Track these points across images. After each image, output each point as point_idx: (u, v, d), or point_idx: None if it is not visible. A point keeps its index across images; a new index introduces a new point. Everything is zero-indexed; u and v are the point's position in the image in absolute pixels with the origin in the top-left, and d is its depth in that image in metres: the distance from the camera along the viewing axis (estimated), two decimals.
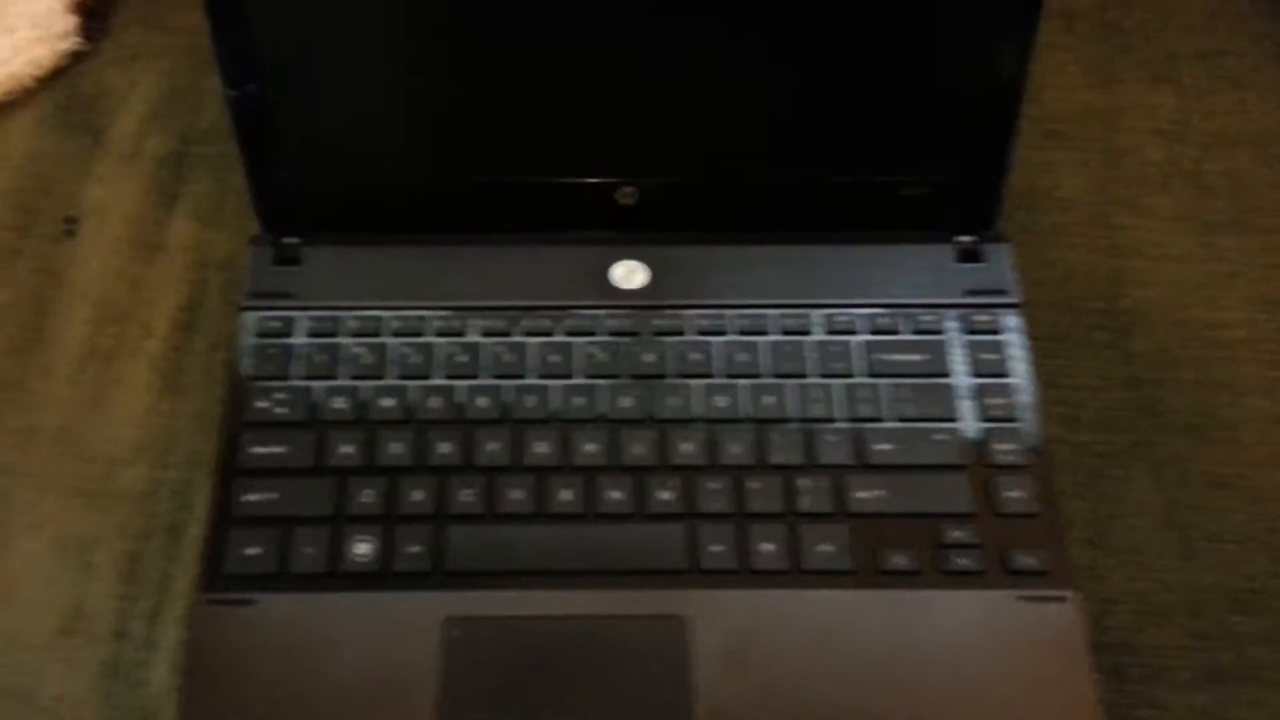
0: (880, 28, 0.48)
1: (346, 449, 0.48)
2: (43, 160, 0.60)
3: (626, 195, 0.52)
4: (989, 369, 0.51)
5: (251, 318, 0.51)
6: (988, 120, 0.50)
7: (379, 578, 0.46)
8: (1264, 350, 0.54)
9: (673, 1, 0.47)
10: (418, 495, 0.47)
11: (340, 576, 0.46)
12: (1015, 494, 0.48)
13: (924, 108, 0.51)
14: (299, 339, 0.51)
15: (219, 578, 0.46)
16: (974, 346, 0.51)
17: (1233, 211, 0.58)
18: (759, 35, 0.48)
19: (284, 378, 0.50)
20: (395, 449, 0.48)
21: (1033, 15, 0.47)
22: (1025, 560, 0.46)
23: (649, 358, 0.51)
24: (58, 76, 0.63)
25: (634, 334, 0.51)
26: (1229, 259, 0.57)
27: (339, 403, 0.49)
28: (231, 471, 0.48)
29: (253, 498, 0.47)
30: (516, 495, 0.47)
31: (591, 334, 0.51)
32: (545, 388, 0.50)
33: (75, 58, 0.63)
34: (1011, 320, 0.52)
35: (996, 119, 0.50)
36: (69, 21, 0.63)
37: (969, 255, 0.53)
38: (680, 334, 0.51)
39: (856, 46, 0.49)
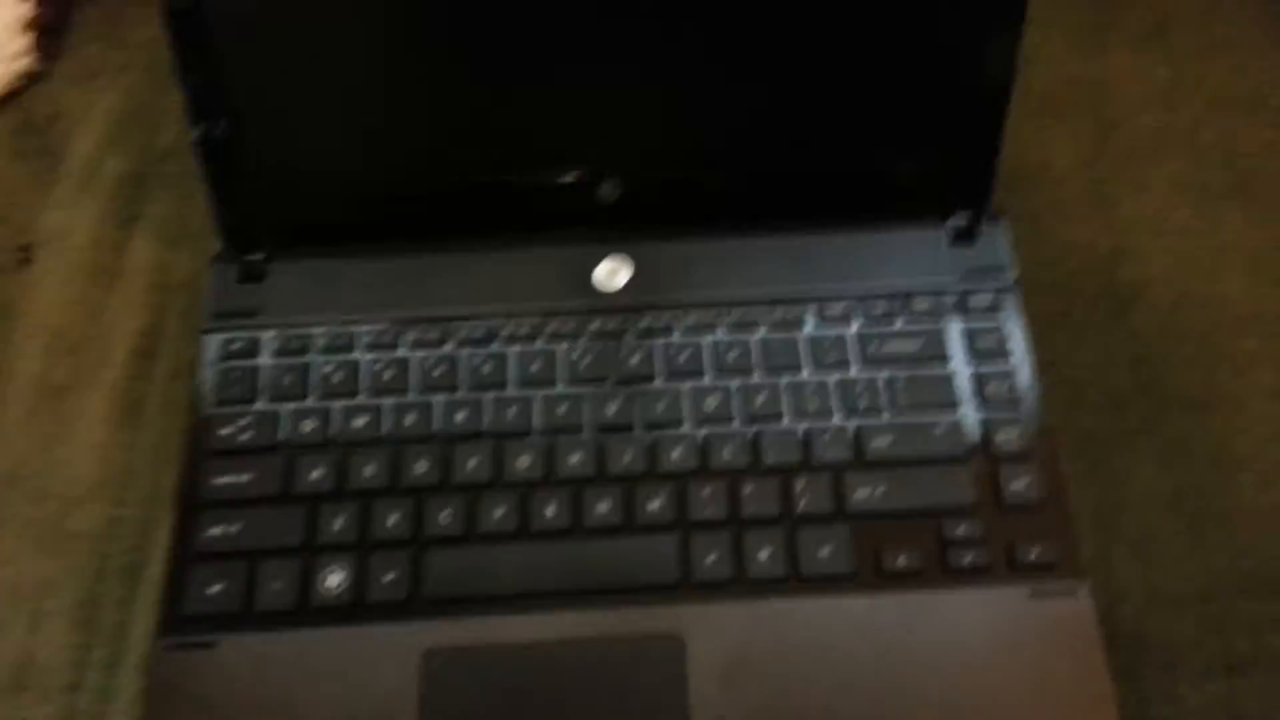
0: (864, 7, 0.46)
1: (316, 473, 0.46)
2: None
3: (607, 191, 0.50)
4: (988, 353, 0.48)
5: (214, 339, 0.49)
6: (979, 96, 0.48)
7: (352, 610, 0.43)
8: (1267, 323, 0.52)
9: None
10: (393, 519, 0.45)
11: (310, 612, 0.43)
12: (1020, 484, 0.46)
13: (912, 86, 0.48)
14: (265, 359, 0.49)
15: (178, 619, 0.43)
16: (972, 331, 0.49)
17: (1230, 179, 0.56)
18: (741, 19, 0.46)
19: (249, 401, 0.48)
20: (368, 471, 0.46)
21: None
22: (1033, 553, 0.44)
23: (635, 361, 0.48)
24: (12, 98, 0.61)
25: (619, 336, 0.49)
26: (1227, 230, 0.55)
27: (308, 425, 0.47)
28: (192, 504, 0.45)
29: (215, 531, 0.45)
30: (498, 514, 0.45)
31: (574, 339, 0.49)
32: (527, 399, 0.47)
33: (30, 78, 0.61)
34: (1010, 300, 0.50)
35: (988, 94, 0.48)
36: (24, 40, 0.61)
37: (964, 236, 0.51)
38: (667, 334, 0.49)
39: (840, 27, 0.46)
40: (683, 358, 0.48)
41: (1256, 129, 0.58)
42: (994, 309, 0.49)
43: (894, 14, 0.46)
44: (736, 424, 0.47)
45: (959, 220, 0.51)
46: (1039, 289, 0.52)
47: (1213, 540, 0.47)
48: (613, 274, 0.51)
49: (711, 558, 0.44)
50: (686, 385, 0.48)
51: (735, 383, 0.48)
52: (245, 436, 0.47)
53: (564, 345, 0.49)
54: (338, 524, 0.45)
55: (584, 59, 0.47)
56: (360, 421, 0.47)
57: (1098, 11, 0.62)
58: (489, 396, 0.48)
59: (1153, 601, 0.46)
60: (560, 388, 0.48)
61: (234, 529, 0.45)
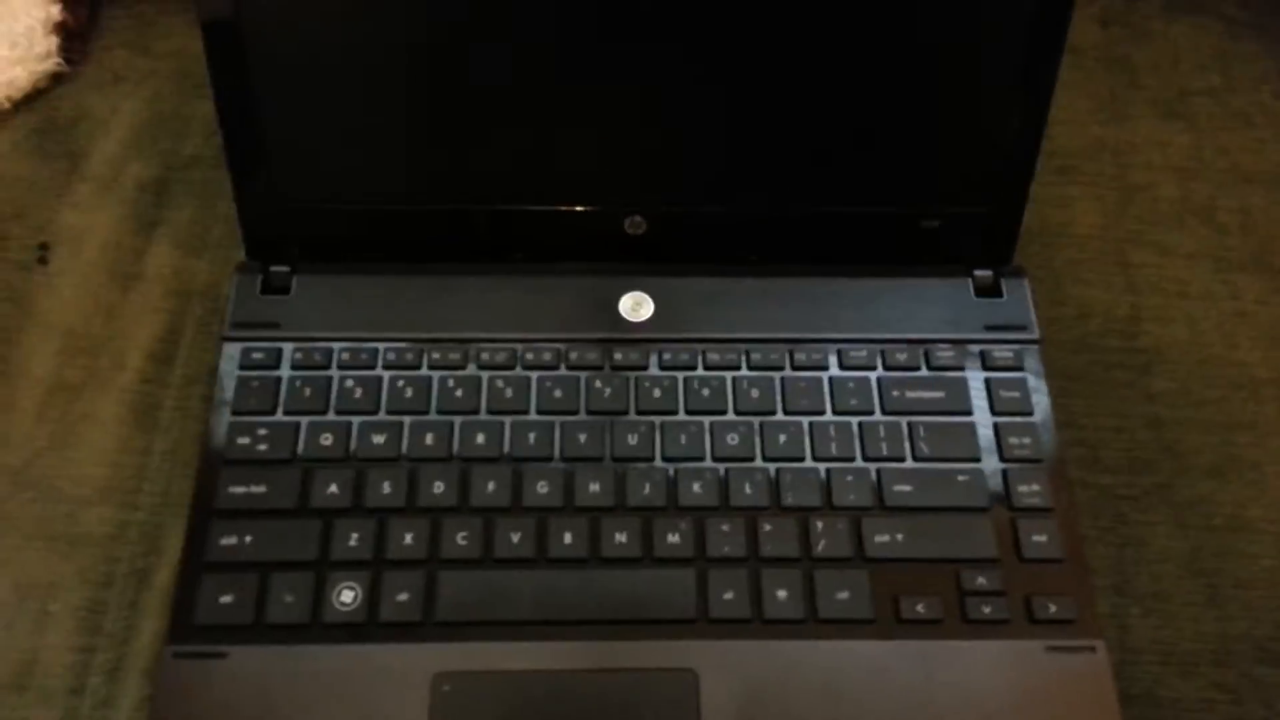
0: (899, 58, 0.47)
1: (332, 489, 0.45)
2: (16, 185, 0.57)
3: (634, 225, 0.50)
4: (1010, 407, 0.49)
5: (235, 348, 0.49)
6: (1008, 151, 0.49)
7: (364, 628, 0.43)
8: None
9: (685, 30, 0.46)
10: (408, 538, 0.44)
11: (321, 627, 0.43)
12: (1040, 538, 0.46)
13: (942, 139, 0.49)
14: (285, 371, 0.48)
15: (189, 628, 0.42)
16: (995, 384, 0.49)
17: (1248, 249, 0.57)
18: (774, 65, 0.47)
19: (268, 412, 0.47)
20: (385, 488, 0.45)
21: (1055, 48, 0.46)
22: (1052, 608, 0.44)
23: (657, 394, 0.48)
24: (36, 99, 0.60)
25: (641, 368, 0.49)
26: (1246, 297, 0.56)
27: (326, 439, 0.46)
28: (206, 512, 0.45)
29: (229, 541, 0.44)
30: (515, 538, 0.45)
31: (598, 368, 0.49)
32: (548, 424, 0.47)
33: (54, 80, 0.61)
34: (1032, 356, 0.50)
35: (1017, 150, 0.49)
36: (49, 42, 0.61)
37: (988, 289, 0.51)
38: (691, 369, 0.49)
39: (874, 77, 0.47)
40: (705, 392, 0.48)
41: (1274, 202, 0.59)
42: (1016, 364, 0.50)
43: (926, 65, 0.47)
44: (757, 462, 0.47)
45: (985, 273, 0.51)
46: (1058, 347, 0.53)
47: (1228, 604, 0.47)
48: (637, 306, 0.51)
49: (728, 595, 0.44)
50: (708, 420, 0.48)
51: (757, 420, 0.48)
52: (262, 447, 0.46)
53: (586, 374, 0.49)
54: (352, 540, 0.44)
55: (617, 94, 0.48)
56: (379, 439, 0.47)
57: (1120, 78, 0.63)
58: (509, 420, 0.47)
59: (1166, 662, 0.46)
60: (581, 416, 0.48)
61: (247, 540, 0.44)
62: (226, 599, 0.43)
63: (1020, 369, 0.49)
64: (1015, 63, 0.47)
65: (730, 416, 0.48)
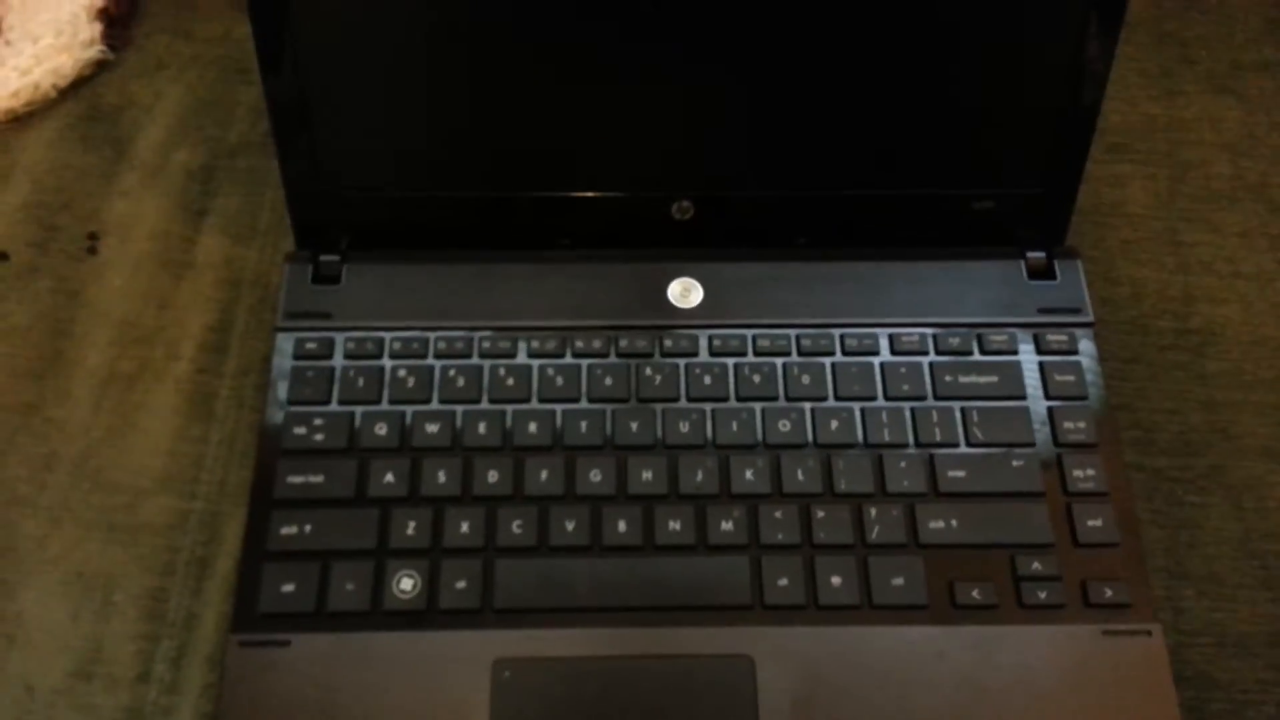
0: (950, 36, 0.46)
1: (389, 478, 0.46)
2: (64, 173, 0.57)
3: (682, 210, 0.50)
4: (1064, 391, 0.48)
5: (288, 339, 0.49)
6: (1063, 130, 0.48)
7: (424, 616, 0.43)
8: None
9: (733, 11, 0.45)
10: (465, 527, 0.45)
11: (382, 615, 0.43)
12: (1095, 523, 0.45)
13: (995, 118, 0.48)
14: (338, 361, 0.48)
15: (252, 617, 0.43)
16: (1048, 368, 0.49)
17: None
18: (826, 46, 0.46)
19: (323, 402, 0.47)
20: (441, 478, 0.46)
21: (1114, 26, 0.45)
22: (1108, 592, 0.44)
23: (708, 380, 0.48)
24: (80, 86, 0.60)
25: (691, 355, 0.49)
26: None
27: (381, 429, 0.47)
28: (266, 502, 0.45)
29: (289, 530, 0.44)
30: (569, 526, 0.45)
31: (648, 355, 0.49)
32: (600, 412, 0.47)
33: (99, 67, 0.61)
34: (1086, 339, 0.49)
35: (1072, 129, 0.48)
36: (93, 30, 0.61)
37: (1041, 271, 0.51)
38: (741, 355, 0.49)
39: (925, 56, 0.46)
40: (756, 379, 0.48)
41: None
42: (1070, 348, 0.49)
43: (978, 43, 0.46)
44: (809, 448, 0.47)
45: (1038, 255, 0.51)
46: (1112, 328, 0.53)
47: None
48: (686, 292, 0.51)
49: (783, 581, 0.44)
50: (759, 407, 0.48)
51: (808, 406, 0.48)
52: (319, 437, 0.46)
53: (636, 361, 0.49)
54: (410, 529, 0.45)
55: (663, 77, 0.47)
56: (433, 428, 0.47)
57: (1171, 54, 0.62)
58: (561, 409, 0.47)
59: (1221, 644, 0.46)
60: (632, 403, 0.48)
61: (307, 529, 0.44)
62: (288, 588, 0.43)
63: (1074, 353, 0.49)
64: (1071, 39, 0.46)
65: (781, 403, 0.48)
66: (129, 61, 0.62)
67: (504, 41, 0.46)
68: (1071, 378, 0.48)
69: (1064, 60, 0.46)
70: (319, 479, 0.45)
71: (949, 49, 0.46)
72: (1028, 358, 0.49)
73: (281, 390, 0.48)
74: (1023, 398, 0.48)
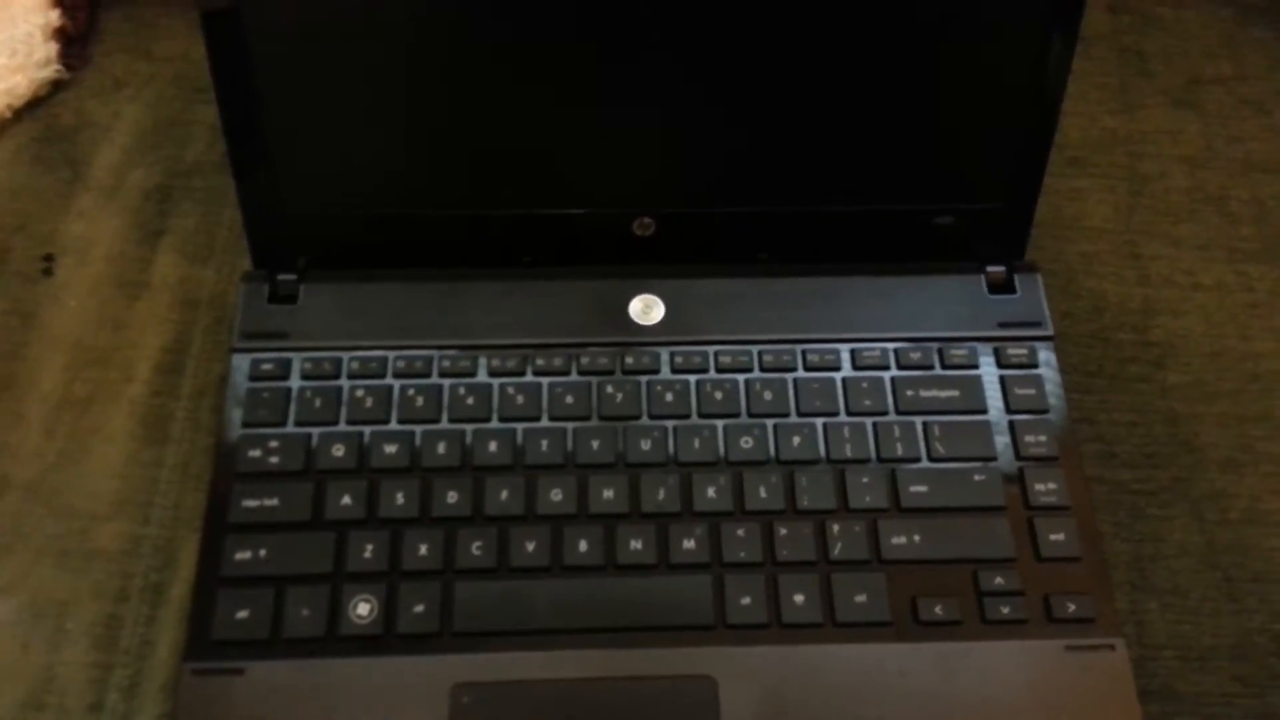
0: (908, 54, 0.46)
1: (346, 500, 0.45)
2: (19, 195, 0.57)
3: (643, 226, 0.50)
4: (1025, 405, 0.48)
5: (244, 359, 0.48)
6: (1021, 146, 0.48)
7: (381, 641, 0.43)
8: None
9: (690, 29, 0.45)
10: (423, 549, 0.44)
11: (339, 640, 0.43)
12: (1058, 537, 0.45)
13: (953, 134, 0.48)
14: (295, 382, 0.48)
15: (206, 644, 0.42)
16: (1009, 381, 0.49)
17: (1261, 239, 0.57)
18: (787, 63, 0.46)
19: (279, 424, 0.47)
20: (399, 499, 0.45)
21: (1069, 42, 0.46)
22: (1071, 606, 0.44)
23: (669, 397, 0.48)
24: (36, 106, 0.60)
25: (653, 372, 0.48)
26: (1259, 288, 0.55)
27: (338, 450, 0.46)
28: (221, 527, 0.44)
29: (244, 555, 0.44)
30: (530, 547, 0.44)
31: (609, 373, 0.48)
32: (560, 430, 0.47)
33: (55, 87, 0.60)
34: (1046, 353, 0.50)
35: (1030, 145, 0.48)
36: (49, 49, 0.60)
37: (1000, 285, 0.51)
38: (703, 371, 0.49)
39: (883, 73, 0.46)
40: (718, 395, 0.48)
41: None
42: (1031, 361, 0.49)
43: (936, 60, 0.46)
44: (771, 465, 0.47)
45: (998, 269, 0.51)
46: (1072, 341, 0.53)
47: (1246, 597, 0.47)
48: (647, 309, 0.50)
49: (745, 600, 0.44)
50: (721, 424, 0.47)
51: (770, 423, 0.48)
52: (274, 460, 0.46)
53: (597, 379, 0.48)
54: (367, 552, 0.44)
55: (624, 97, 0.47)
56: (391, 449, 0.46)
57: (1130, 67, 0.63)
58: (521, 428, 0.47)
59: (1186, 657, 0.46)
60: (594, 421, 0.47)
61: (262, 553, 0.44)
62: (243, 614, 0.42)
63: (1035, 366, 0.49)
64: (1027, 56, 0.46)
65: (743, 419, 0.48)
66: (86, 81, 0.61)
67: (462, 60, 0.46)
68: (1032, 391, 0.48)
69: (1021, 77, 0.47)
70: (274, 502, 0.45)
71: (908, 66, 0.46)
72: (988, 372, 0.49)
73: (237, 412, 0.47)
74: (984, 412, 0.48)
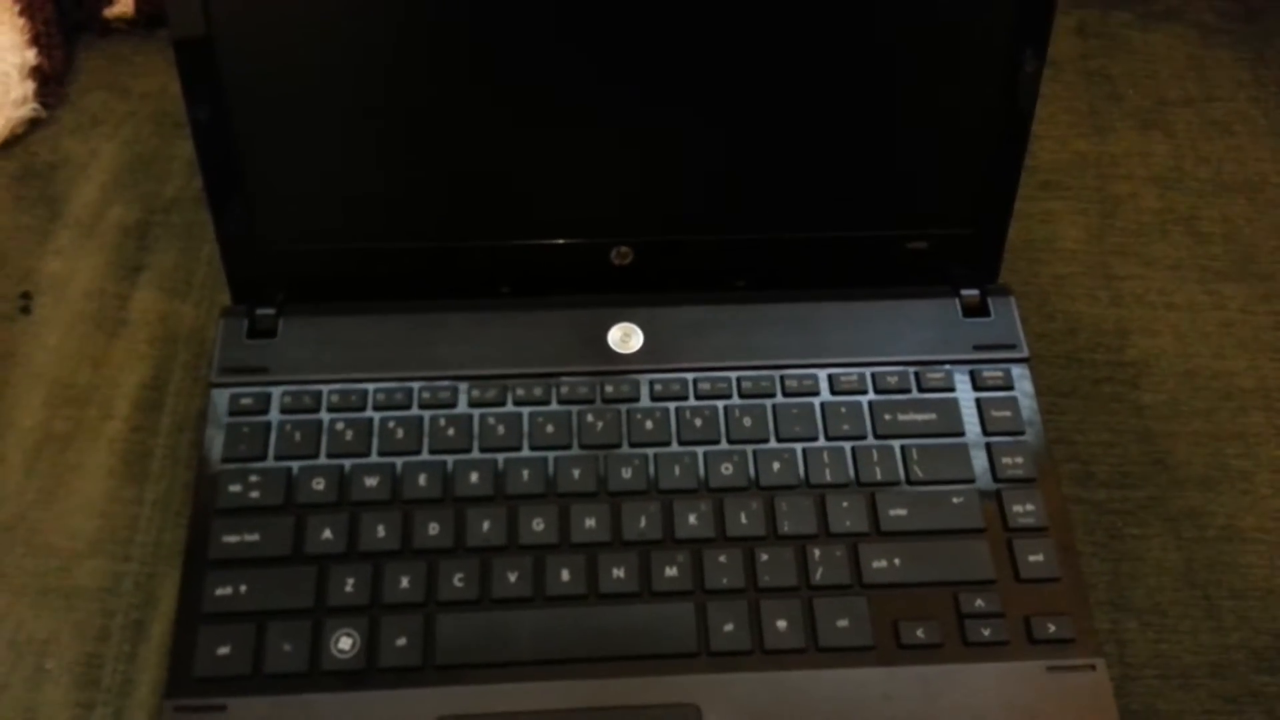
0: (879, 82, 0.47)
1: (327, 534, 0.45)
2: None
3: (621, 255, 0.50)
4: (1002, 427, 0.49)
5: (223, 394, 0.48)
6: (992, 170, 0.49)
7: (364, 675, 0.42)
8: (1272, 398, 0.53)
9: (665, 60, 0.46)
10: (405, 582, 0.44)
11: (321, 675, 0.42)
12: (1036, 558, 0.46)
13: (925, 160, 0.49)
14: (274, 416, 0.48)
15: (187, 681, 0.42)
16: (986, 404, 0.49)
17: (1231, 258, 0.58)
18: (760, 93, 0.47)
19: (259, 458, 0.47)
20: (380, 532, 0.45)
21: (1035, 68, 0.46)
22: (1051, 627, 0.44)
23: (649, 425, 0.48)
24: (13, 144, 0.60)
25: (633, 400, 0.49)
26: (1231, 306, 0.56)
27: (318, 484, 0.46)
28: (201, 563, 0.44)
29: (224, 591, 0.44)
30: (512, 578, 0.44)
31: (589, 401, 0.49)
32: (541, 460, 0.47)
33: (32, 125, 0.61)
34: (1021, 375, 0.50)
35: (1000, 169, 0.49)
36: (25, 87, 0.60)
37: (975, 309, 0.52)
38: (682, 399, 0.49)
39: (854, 101, 0.47)
40: (698, 422, 0.48)
41: (1255, 211, 0.59)
42: (1006, 383, 0.50)
43: (907, 88, 0.47)
44: (752, 490, 0.47)
45: (972, 293, 0.52)
46: (1047, 363, 0.53)
47: (1225, 615, 0.47)
48: (626, 337, 0.51)
49: (728, 626, 0.44)
50: (701, 451, 0.48)
51: (750, 449, 0.48)
52: (254, 494, 0.46)
53: (577, 408, 0.49)
54: (349, 586, 0.44)
55: (603, 127, 0.48)
56: (371, 481, 0.46)
57: (1098, 90, 0.64)
58: (502, 458, 0.47)
59: (1166, 676, 0.46)
60: (574, 450, 0.48)
61: (243, 589, 0.44)
62: (224, 650, 0.42)
63: (1010, 388, 0.50)
64: (996, 82, 0.47)
65: (723, 446, 0.48)
66: (63, 118, 0.61)
67: (438, 93, 0.46)
68: (1008, 413, 0.49)
69: (991, 102, 0.47)
70: (255, 537, 0.45)
71: (878, 93, 0.47)
72: (965, 394, 0.49)
73: (217, 447, 0.47)
74: (961, 434, 0.48)
